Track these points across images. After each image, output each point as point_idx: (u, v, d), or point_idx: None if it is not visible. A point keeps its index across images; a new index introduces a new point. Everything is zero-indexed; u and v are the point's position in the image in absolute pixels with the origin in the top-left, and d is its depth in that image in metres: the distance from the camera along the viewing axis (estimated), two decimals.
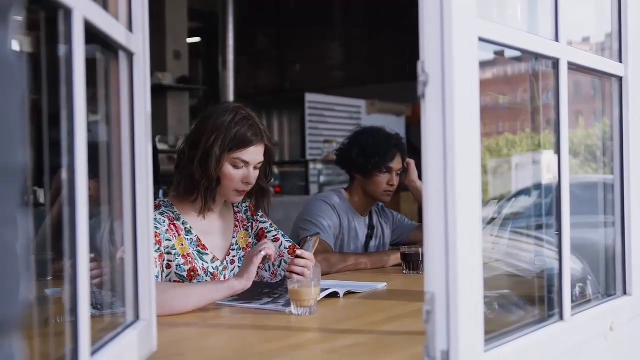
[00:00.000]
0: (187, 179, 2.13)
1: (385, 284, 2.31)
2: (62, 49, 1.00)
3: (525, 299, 1.67)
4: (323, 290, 1.98)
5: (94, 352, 1.07)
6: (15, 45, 0.59)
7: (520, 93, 2.02)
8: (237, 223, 2.31)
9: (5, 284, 0.55)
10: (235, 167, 2.12)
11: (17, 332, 0.58)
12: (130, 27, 1.32)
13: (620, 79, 1.76)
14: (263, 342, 1.60)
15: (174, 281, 2.09)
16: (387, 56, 8.96)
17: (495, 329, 1.31)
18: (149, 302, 1.37)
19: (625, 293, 1.76)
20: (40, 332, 1.21)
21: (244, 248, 2.28)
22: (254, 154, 2.14)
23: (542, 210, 1.88)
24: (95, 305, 1.34)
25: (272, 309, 1.87)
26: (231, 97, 8.28)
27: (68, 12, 0.97)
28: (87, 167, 1.00)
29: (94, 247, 1.08)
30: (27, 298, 0.60)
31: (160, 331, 1.43)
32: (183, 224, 2.16)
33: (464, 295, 1.14)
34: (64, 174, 0.98)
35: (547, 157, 1.84)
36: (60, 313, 1.43)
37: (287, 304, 1.86)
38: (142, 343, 1.32)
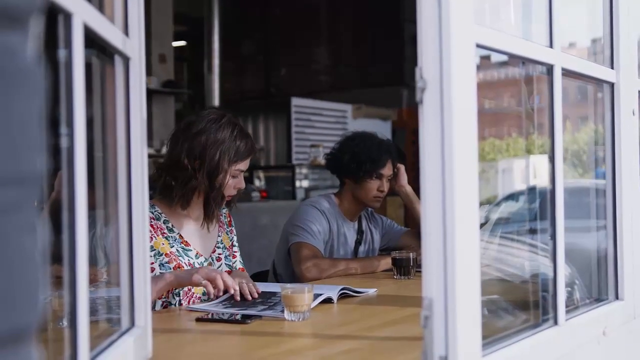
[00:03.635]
0: (190, 191, 2.19)
1: (375, 289, 2.31)
2: (60, 53, 0.99)
3: (519, 304, 1.68)
4: (317, 295, 1.98)
5: (91, 359, 1.06)
6: (34, 52, 0.59)
7: (507, 98, 2.03)
8: (220, 223, 2.40)
9: (27, 291, 0.55)
10: (234, 177, 2.24)
11: (35, 339, 0.58)
12: (126, 32, 1.31)
13: (611, 84, 1.78)
14: (257, 348, 1.59)
15: None
16: (373, 61, 9.00)
17: (492, 334, 1.31)
18: (145, 308, 1.36)
19: (617, 298, 1.77)
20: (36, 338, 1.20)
21: (228, 247, 2.37)
22: (248, 162, 2.29)
23: (532, 215, 1.89)
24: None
25: (270, 315, 1.86)
26: (216, 102, 8.26)
27: (68, 17, 0.97)
28: (86, 172, 0.99)
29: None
30: (44, 305, 0.59)
31: (155, 338, 1.43)
32: (164, 222, 2.21)
33: (462, 300, 1.14)
34: (64, 179, 0.97)
35: (535, 162, 1.85)
36: (52, 319, 1.42)
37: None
38: (138, 350, 1.31)
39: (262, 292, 2.12)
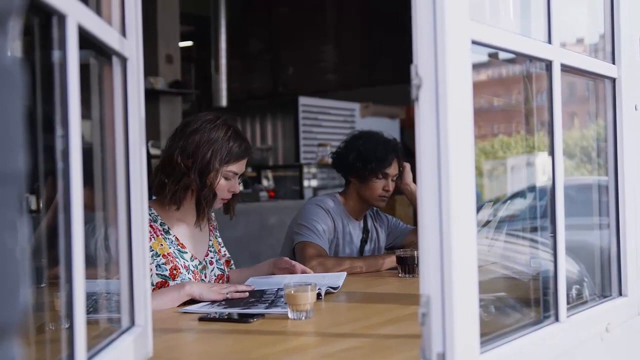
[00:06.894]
0: (182, 189, 2.22)
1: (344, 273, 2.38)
2: (55, 55, 1.00)
3: (521, 301, 1.67)
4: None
5: (89, 358, 1.07)
6: (14, 52, 0.59)
7: (515, 95, 2.02)
8: (211, 228, 2.44)
9: (6, 289, 0.56)
10: (226, 178, 2.26)
11: (16, 337, 0.59)
12: (123, 32, 1.32)
13: (613, 80, 1.77)
14: (259, 346, 1.59)
15: (157, 283, 2.13)
16: (381, 59, 8.98)
17: (492, 331, 1.31)
18: (144, 307, 1.36)
19: (620, 294, 1.76)
20: (35, 339, 1.21)
21: (217, 251, 2.41)
22: (243, 166, 2.30)
23: (538, 213, 1.88)
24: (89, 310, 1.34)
25: (274, 312, 1.86)
26: (224, 102, 8.27)
27: (62, 18, 0.97)
28: (82, 173, 1.00)
29: (88, 254, 1.08)
30: (27, 303, 0.60)
31: (156, 337, 1.43)
32: (161, 225, 2.25)
33: (460, 297, 1.14)
34: (59, 180, 0.98)
35: (542, 159, 1.84)
36: (52, 319, 1.43)
37: (286, 306, 1.85)
38: (138, 349, 1.32)
39: (254, 291, 2.14)
